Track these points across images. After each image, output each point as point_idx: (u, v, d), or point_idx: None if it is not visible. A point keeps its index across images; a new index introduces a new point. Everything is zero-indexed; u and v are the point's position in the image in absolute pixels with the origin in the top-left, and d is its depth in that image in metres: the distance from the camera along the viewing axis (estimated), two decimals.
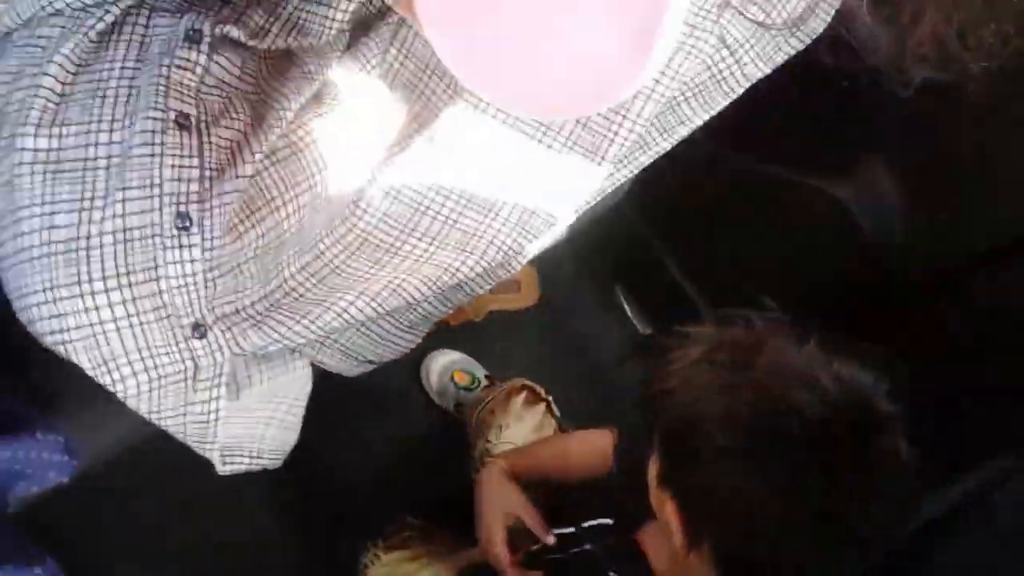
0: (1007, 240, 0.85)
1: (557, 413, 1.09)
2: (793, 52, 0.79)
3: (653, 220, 1.19)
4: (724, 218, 1.10)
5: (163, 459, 0.96)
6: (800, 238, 1.02)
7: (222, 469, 0.76)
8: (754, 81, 0.80)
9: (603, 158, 0.81)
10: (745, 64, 0.79)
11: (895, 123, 0.85)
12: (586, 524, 0.82)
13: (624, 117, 0.79)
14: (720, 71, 0.80)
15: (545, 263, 0.98)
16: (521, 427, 1.05)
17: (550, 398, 1.10)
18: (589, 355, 1.33)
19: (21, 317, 0.63)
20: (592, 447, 0.93)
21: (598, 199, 0.89)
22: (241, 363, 0.75)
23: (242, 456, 0.78)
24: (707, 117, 0.84)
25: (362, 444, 1.20)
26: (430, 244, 0.83)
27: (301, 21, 0.73)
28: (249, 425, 0.78)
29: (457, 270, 0.82)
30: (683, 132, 0.85)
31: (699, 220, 1.15)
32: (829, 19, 0.78)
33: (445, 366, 1.29)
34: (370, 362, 0.90)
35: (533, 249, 0.88)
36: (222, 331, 0.69)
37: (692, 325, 0.67)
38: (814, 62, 0.81)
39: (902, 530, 0.62)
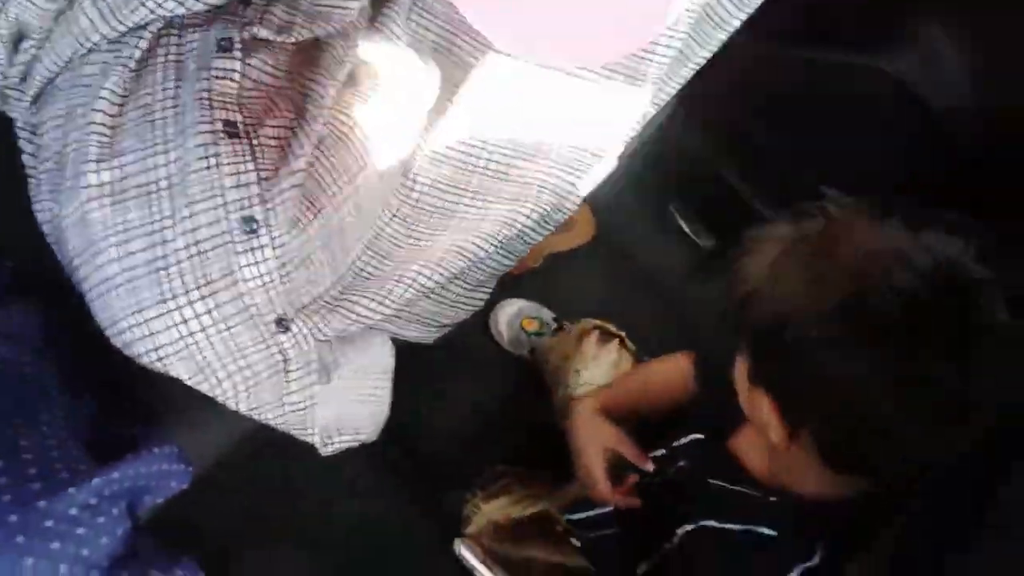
0: None
1: (632, 347, 1.09)
2: None
3: (701, 132, 1.16)
4: (777, 116, 1.07)
5: (265, 450, 1.01)
6: (860, 123, 0.98)
7: (324, 451, 0.79)
8: None
9: (644, 79, 0.79)
10: None
11: None
12: (677, 443, 0.83)
13: (660, 34, 0.77)
14: None
15: (594, 195, 0.96)
16: (597, 368, 1.05)
17: (622, 334, 1.10)
18: (654, 282, 1.32)
19: (116, 343, 0.65)
20: (672, 372, 0.93)
21: (645, 123, 0.87)
22: (326, 348, 0.77)
23: (341, 435, 0.80)
24: (744, 16, 0.81)
25: (448, 404, 1.22)
26: (484, 201, 0.83)
27: (321, 8, 0.73)
28: (343, 405, 0.80)
29: (515, 221, 0.82)
30: (722, 37, 0.82)
31: (750, 122, 1.11)
32: None
33: (512, 315, 1.30)
34: (445, 326, 0.92)
35: (586, 186, 0.87)
36: (304, 321, 0.71)
37: (763, 226, 0.65)
38: None
39: (1007, 397, 0.60)
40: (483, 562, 0.72)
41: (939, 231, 0.58)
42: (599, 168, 0.87)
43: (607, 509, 0.90)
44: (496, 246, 0.82)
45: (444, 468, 1.18)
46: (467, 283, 0.88)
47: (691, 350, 0.94)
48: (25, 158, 0.73)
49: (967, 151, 0.93)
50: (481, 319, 1.31)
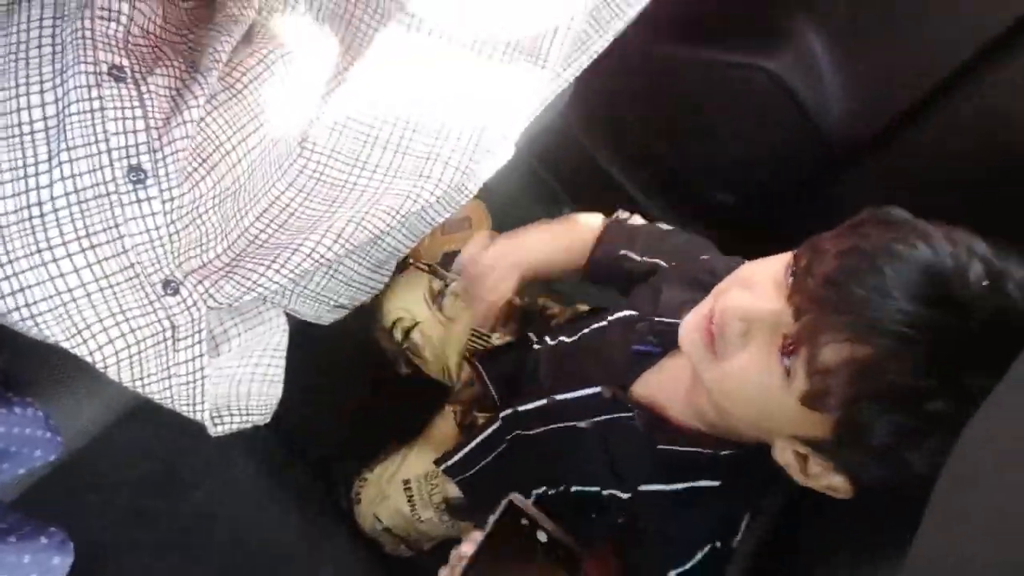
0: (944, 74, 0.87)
1: (425, 265, 1.10)
2: None
3: (595, 134, 1.20)
4: (665, 116, 1.11)
5: (146, 436, 0.95)
6: (740, 121, 1.04)
7: (214, 430, 0.74)
8: None
9: (545, 60, 0.81)
10: None
11: None
12: (563, 396, 0.81)
13: (559, 15, 0.79)
14: None
15: (491, 194, 0.97)
16: (396, 293, 1.06)
17: (410, 260, 1.09)
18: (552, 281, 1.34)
19: None
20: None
21: (542, 107, 0.89)
22: (216, 319, 0.73)
23: (231, 415, 0.76)
24: (640, 7, 0.84)
25: (339, 393, 1.19)
26: (384, 175, 0.82)
27: None
28: (233, 383, 0.76)
29: (418, 196, 0.81)
30: (619, 26, 0.86)
31: (642, 125, 1.15)
32: None
33: None
34: (342, 306, 0.89)
35: (488, 168, 0.88)
36: (194, 285, 0.67)
37: None
38: None
39: None
40: None
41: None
42: (501, 150, 0.87)
43: (476, 442, 0.88)
44: (398, 221, 0.81)
45: (336, 455, 1.14)
46: (367, 260, 0.86)
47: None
48: None
49: (841, 149, 1.00)
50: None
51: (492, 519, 0.67)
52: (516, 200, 1.19)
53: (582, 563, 0.70)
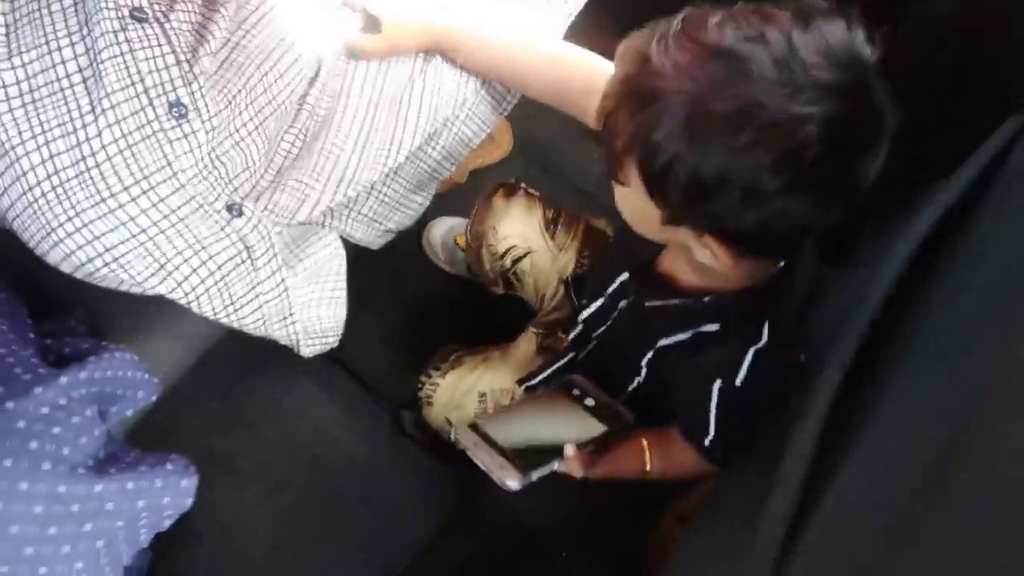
0: None
1: (536, 192, 1.05)
2: None
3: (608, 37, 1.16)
4: None
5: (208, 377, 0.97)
6: None
7: (305, 351, 0.77)
8: None
9: None
10: None
11: None
12: (610, 288, 0.83)
13: None
14: None
15: (514, 115, 0.96)
16: (512, 220, 1.01)
17: (522, 184, 1.05)
18: (574, 188, 1.34)
19: (52, 257, 0.61)
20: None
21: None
22: (282, 245, 0.74)
23: (311, 339, 0.78)
24: None
25: (397, 325, 1.21)
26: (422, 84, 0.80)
27: None
28: (307, 308, 0.78)
29: (457, 88, 0.80)
30: None
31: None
32: None
33: (445, 232, 1.29)
34: (389, 230, 0.90)
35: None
36: (254, 204, 0.68)
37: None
38: None
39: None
40: (476, 444, 0.71)
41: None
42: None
43: (562, 362, 0.91)
44: (425, 132, 0.81)
45: (397, 377, 1.16)
46: (409, 183, 0.86)
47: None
48: None
49: None
50: (415, 241, 1.30)
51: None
52: (537, 110, 1.18)
53: (626, 422, 0.76)
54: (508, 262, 1.02)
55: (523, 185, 1.03)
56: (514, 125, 1.35)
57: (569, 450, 0.71)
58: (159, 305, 0.66)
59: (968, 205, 0.70)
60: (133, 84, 0.61)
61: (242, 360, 1.01)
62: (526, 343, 1.01)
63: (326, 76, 0.75)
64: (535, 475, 0.68)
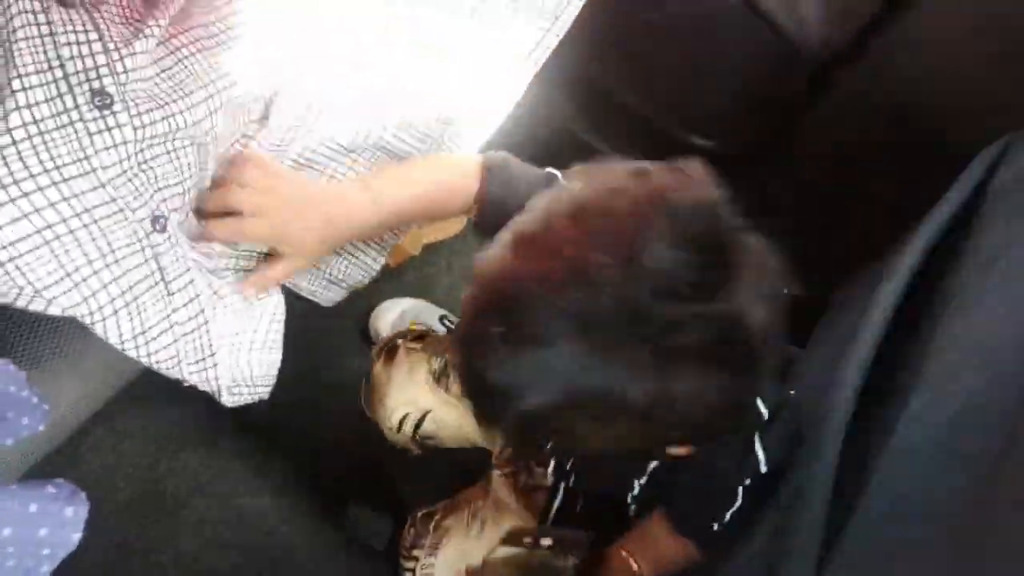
0: None
1: (416, 345, 0.93)
2: None
3: (557, 90, 1.15)
4: (634, 60, 1.08)
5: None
6: (720, 54, 1.02)
7: (228, 399, 0.65)
8: None
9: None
10: None
11: None
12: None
13: None
14: None
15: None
16: (396, 387, 0.90)
17: (399, 340, 0.94)
18: None
19: None
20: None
21: (536, 66, 0.84)
22: (204, 281, 0.65)
23: (238, 387, 0.67)
24: None
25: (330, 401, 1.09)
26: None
27: None
28: (233, 351, 0.68)
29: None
30: None
31: (606, 73, 1.11)
32: None
33: (396, 319, 1.20)
34: (338, 282, 0.82)
35: (469, 123, 0.83)
36: (178, 222, 0.60)
37: None
38: None
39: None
40: None
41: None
42: (488, 113, 0.83)
43: (559, 500, 0.86)
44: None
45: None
46: None
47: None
48: None
49: (816, 65, 0.99)
50: (358, 326, 1.21)
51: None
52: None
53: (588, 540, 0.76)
54: (409, 430, 0.90)
55: (400, 341, 0.93)
56: None
57: None
58: (60, 330, 0.56)
59: (958, 226, 0.69)
60: (51, 68, 0.54)
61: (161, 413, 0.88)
62: (503, 489, 0.87)
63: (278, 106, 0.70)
64: None
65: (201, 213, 0.66)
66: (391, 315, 1.21)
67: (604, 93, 1.15)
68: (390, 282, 1.22)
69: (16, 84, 0.53)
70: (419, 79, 0.78)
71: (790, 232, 0.53)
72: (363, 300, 1.17)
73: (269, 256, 0.71)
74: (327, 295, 0.83)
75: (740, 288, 0.49)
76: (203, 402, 0.65)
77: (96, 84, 0.55)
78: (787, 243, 0.53)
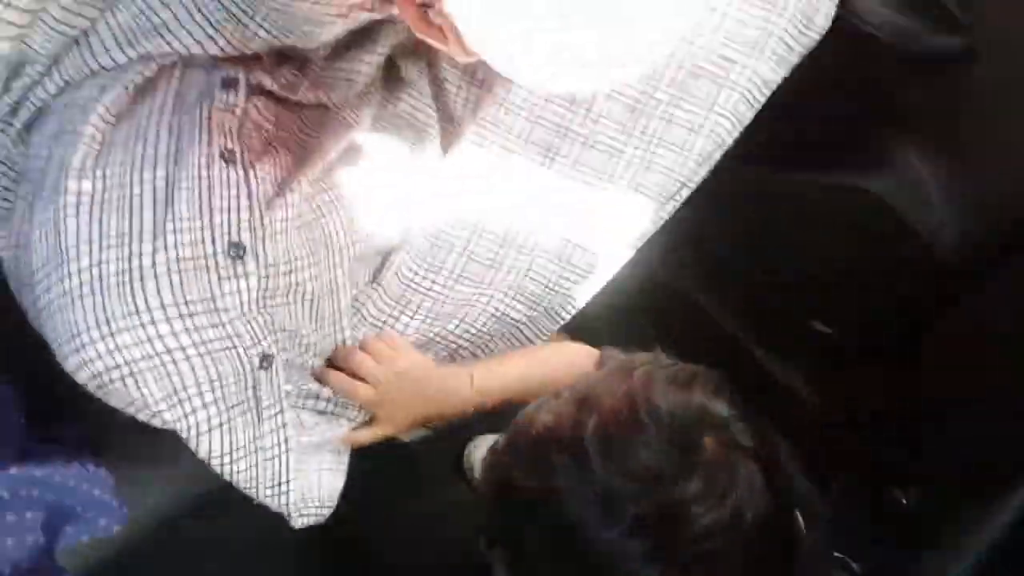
0: None
1: None
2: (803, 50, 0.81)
3: (679, 261, 1.17)
4: (757, 240, 1.08)
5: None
6: (844, 243, 1.00)
7: (298, 522, 0.70)
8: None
9: (611, 176, 0.81)
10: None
11: (917, 103, 0.87)
12: None
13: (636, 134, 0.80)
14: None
15: (577, 329, 0.94)
16: None
17: None
18: None
19: (69, 363, 0.59)
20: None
21: (642, 237, 0.87)
22: (295, 408, 0.71)
23: (307, 507, 0.72)
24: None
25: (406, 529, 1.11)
26: (456, 281, 0.82)
27: (328, 79, 0.76)
28: (306, 475, 0.72)
29: (504, 315, 0.81)
30: (717, 154, 0.84)
31: (731, 249, 1.12)
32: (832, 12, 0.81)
33: None
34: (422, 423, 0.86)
35: (583, 291, 0.86)
36: (284, 365, 0.66)
37: None
38: (823, 61, 0.83)
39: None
40: None
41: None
42: (594, 276, 0.86)
43: None
44: (471, 333, 0.80)
45: None
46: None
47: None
48: None
49: (948, 273, 0.94)
50: (454, 458, 1.23)
51: None
52: (599, 335, 1.16)
53: None
54: None
55: None
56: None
57: None
58: (157, 440, 0.63)
59: None
60: (201, 216, 0.63)
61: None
62: None
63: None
64: None
65: (324, 357, 0.74)
66: (484, 449, 1.23)
67: (726, 263, 1.15)
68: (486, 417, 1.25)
69: (170, 226, 0.62)
70: (535, 236, 0.83)
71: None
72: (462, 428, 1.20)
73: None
74: (413, 432, 0.87)
75: (690, 487, 0.51)
76: None
77: (235, 237, 0.63)
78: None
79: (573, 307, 0.87)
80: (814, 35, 0.80)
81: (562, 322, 0.89)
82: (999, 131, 0.88)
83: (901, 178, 0.93)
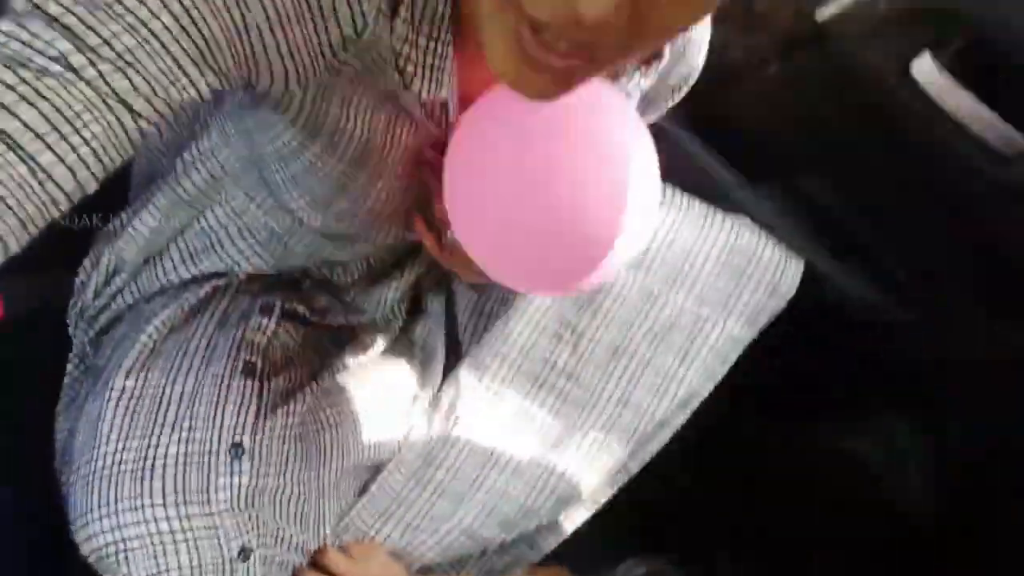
0: None
1: None
2: None
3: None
4: (737, 497, 1.11)
5: None
6: (821, 502, 1.03)
7: None
8: None
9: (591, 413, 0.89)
10: None
11: (902, 371, 0.93)
12: None
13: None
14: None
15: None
16: None
17: None
18: None
19: (79, 534, 0.68)
20: None
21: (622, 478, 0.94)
22: None
23: None
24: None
25: None
26: (439, 497, 0.89)
27: (358, 303, 0.89)
28: None
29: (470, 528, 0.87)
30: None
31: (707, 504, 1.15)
32: None
33: None
34: None
35: (553, 520, 0.92)
36: (262, 559, 0.73)
37: None
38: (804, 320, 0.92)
39: None
40: None
41: None
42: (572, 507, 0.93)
43: None
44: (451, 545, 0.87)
45: None
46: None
47: None
48: (67, 380, 0.84)
49: (924, 537, 0.96)
50: None
51: None
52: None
53: None
54: None
55: None
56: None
57: None
58: None
59: None
60: (214, 417, 0.72)
61: None
62: None
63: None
64: None
65: (306, 556, 0.80)
66: None
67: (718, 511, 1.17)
68: None
69: (185, 423, 0.71)
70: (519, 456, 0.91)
71: None
72: None
73: None
74: None
75: None
76: None
77: (238, 438, 0.73)
78: None
79: (553, 538, 0.92)
80: (780, 301, 0.90)
81: (540, 554, 0.94)
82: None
83: (877, 439, 0.98)
